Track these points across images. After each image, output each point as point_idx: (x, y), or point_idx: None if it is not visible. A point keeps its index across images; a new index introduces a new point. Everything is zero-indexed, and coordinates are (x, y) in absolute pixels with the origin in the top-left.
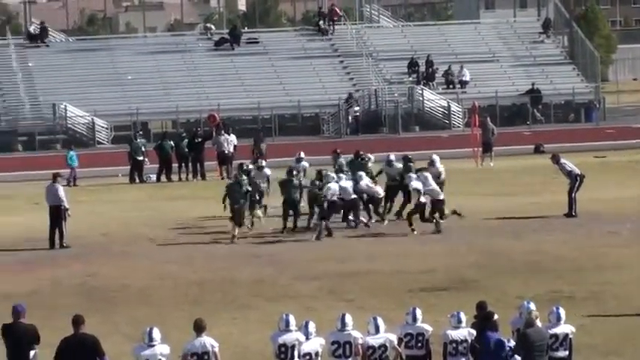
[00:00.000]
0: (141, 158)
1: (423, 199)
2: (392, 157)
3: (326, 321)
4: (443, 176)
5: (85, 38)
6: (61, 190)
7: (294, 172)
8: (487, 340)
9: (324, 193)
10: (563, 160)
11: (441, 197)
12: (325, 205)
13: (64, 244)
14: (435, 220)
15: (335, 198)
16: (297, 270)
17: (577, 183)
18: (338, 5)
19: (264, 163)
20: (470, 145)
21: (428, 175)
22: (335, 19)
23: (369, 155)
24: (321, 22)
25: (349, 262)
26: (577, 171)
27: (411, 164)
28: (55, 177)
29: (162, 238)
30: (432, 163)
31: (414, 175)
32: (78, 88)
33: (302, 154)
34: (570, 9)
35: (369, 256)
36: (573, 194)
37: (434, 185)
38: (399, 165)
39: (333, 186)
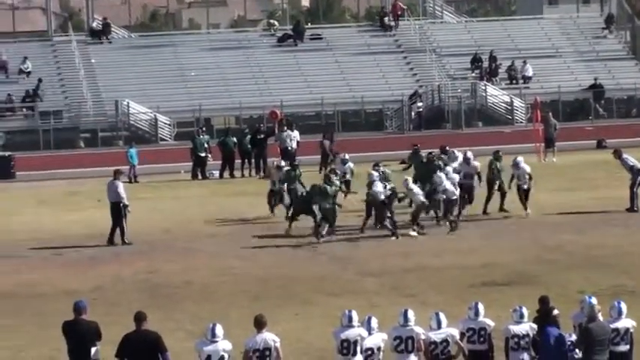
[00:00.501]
0: (203, 155)
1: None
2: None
3: (388, 317)
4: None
5: (147, 35)
6: (121, 187)
7: (333, 176)
8: (547, 336)
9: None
10: (625, 155)
11: (454, 197)
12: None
13: (126, 241)
14: (449, 221)
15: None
16: (360, 266)
17: (639, 178)
18: (401, 1)
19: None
20: (532, 141)
21: (442, 175)
22: (398, 14)
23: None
24: (385, 19)
25: (412, 257)
26: (639, 166)
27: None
28: (116, 174)
29: (225, 235)
30: (516, 165)
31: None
32: (140, 85)
33: (346, 156)
34: (633, 4)
35: (432, 252)
36: (635, 189)
37: (449, 185)
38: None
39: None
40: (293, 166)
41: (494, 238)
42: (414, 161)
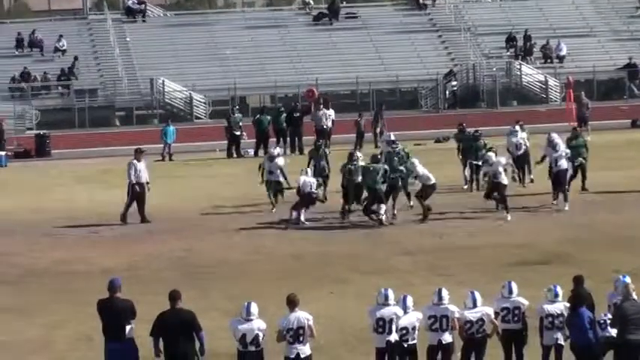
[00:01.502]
0: (238, 133)
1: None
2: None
3: (423, 296)
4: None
5: (183, 13)
6: (142, 166)
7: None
8: (581, 317)
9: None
10: None
11: (430, 182)
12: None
13: (145, 219)
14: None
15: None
16: (395, 245)
17: None
18: None
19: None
20: (566, 120)
21: (415, 160)
22: None
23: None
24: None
25: (446, 237)
26: None
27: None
28: (138, 153)
29: (259, 213)
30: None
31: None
32: (175, 63)
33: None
34: None
35: (467, 232)
36: None
37: (424, 171)
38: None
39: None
40: (317, 146)
41: (528, 218)
42: (462, 139)
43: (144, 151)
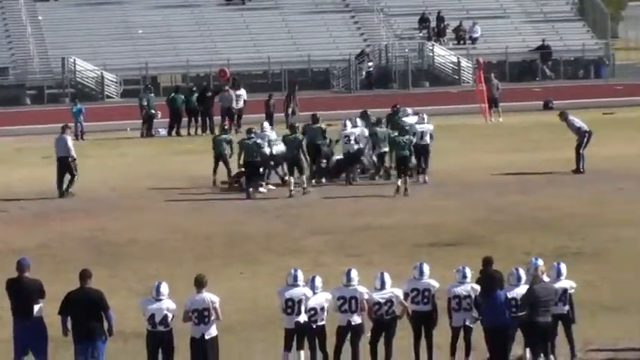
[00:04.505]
0: (154, 112)
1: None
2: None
3: (334, 276)
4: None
5: None
6: (70, 142)
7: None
8: (495, 299)
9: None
10: (571, 117)
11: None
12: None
13: (70, 191)
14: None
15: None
16: (307, 225)
17: (585, 139)
18: None
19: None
20: (478, 101)
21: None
22: None
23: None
24: None
25: (359, 217)
26: (585, 127)
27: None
28: (64, 128)
29: (171, 193)
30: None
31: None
32: (87, 42)
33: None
34: None
35: (379, 211)
36: (581, 150)
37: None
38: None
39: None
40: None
41: (441, 198)
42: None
43: (70, 127)
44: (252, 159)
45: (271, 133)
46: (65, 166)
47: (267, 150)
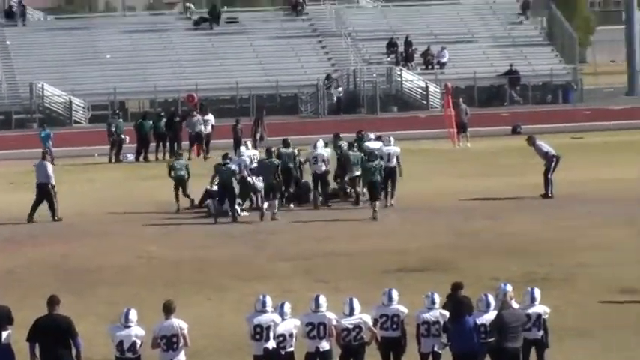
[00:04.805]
0: (123, 137)
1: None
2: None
3: (302, 302)
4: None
5: (63, 17)
6: (50, 168)
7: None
8: (465, 324)
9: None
10: (538, 142)
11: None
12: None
13: (57, 218)
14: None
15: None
16: (275, 250)
17: (553, 164)
18: None
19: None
20: (446, 126)
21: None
22: None
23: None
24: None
25: (327, 242)
26: (553, 152)
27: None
28: (45, 154)
29: (140, 218)
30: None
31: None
32: (56, 67)
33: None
34: None
35: (347, 237)
36: (549, 175)
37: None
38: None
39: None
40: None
41: (409, 223)
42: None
43: (50, 154)
44: (228, 184)
45: (250, 153)
46: (44, 192)
47: (244, 174)
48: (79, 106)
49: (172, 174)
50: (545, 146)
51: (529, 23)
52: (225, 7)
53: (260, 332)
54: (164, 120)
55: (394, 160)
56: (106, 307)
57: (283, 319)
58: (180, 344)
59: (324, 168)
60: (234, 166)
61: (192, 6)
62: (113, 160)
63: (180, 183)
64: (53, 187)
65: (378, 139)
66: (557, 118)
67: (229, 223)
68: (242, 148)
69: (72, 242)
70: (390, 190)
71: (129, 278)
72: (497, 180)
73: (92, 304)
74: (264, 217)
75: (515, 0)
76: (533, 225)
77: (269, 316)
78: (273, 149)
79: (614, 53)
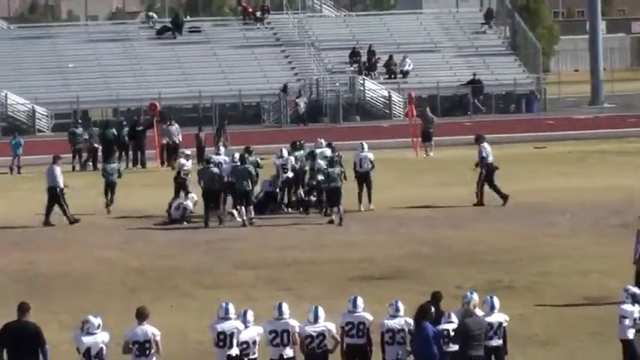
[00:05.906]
0: (97, 145)
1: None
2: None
3: (265, 310)
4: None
5: (26, 26)
6: (59, 172)
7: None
8: (424, 331)
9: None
10: (485, 144)
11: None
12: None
13: (72, 220)
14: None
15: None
16: (238, 258)
17: (484, 170)
18: None
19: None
20: (409, 135)
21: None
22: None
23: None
24: (257, 13)
25: (289, 250)
26: (490, 160)
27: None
28: (56, 159)
29: (103, 226)
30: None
31: None
32: (19, 76)
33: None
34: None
35: (310, 245)
36: (481, 183)
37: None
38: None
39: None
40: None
41: (372, 232)
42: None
43: (62, 158)
44: (211, 187)
45: (221, 159)
46: (54, 195)
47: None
48: (43, 114)
49: (106, 177)
50: (487, 151)
51: (492, 33)
52: (188, 17)
53: (224, 339)
54: (126, 129)
55: (366, 165)
56: (70, 315)
57: (246, 327)
58: (153, 351)
59: (290, 174)
60: (215, 169)
61: (154, 15)
62: (77, 169)
63: (111, 186)
64: (62, 190)
65: (329, 145)
66: (520, 128)
67: (192, 228)
68: (222, 148)
69: (35, 250)
70: (367, 193)
71: (92, 285)
72: (460, 189)
73: (55, 311)
74: (246, 222)
75: (478, 9)
76: (497, 234)
77: (232, 324)
78: (245, 155)
79: (578, 63)
